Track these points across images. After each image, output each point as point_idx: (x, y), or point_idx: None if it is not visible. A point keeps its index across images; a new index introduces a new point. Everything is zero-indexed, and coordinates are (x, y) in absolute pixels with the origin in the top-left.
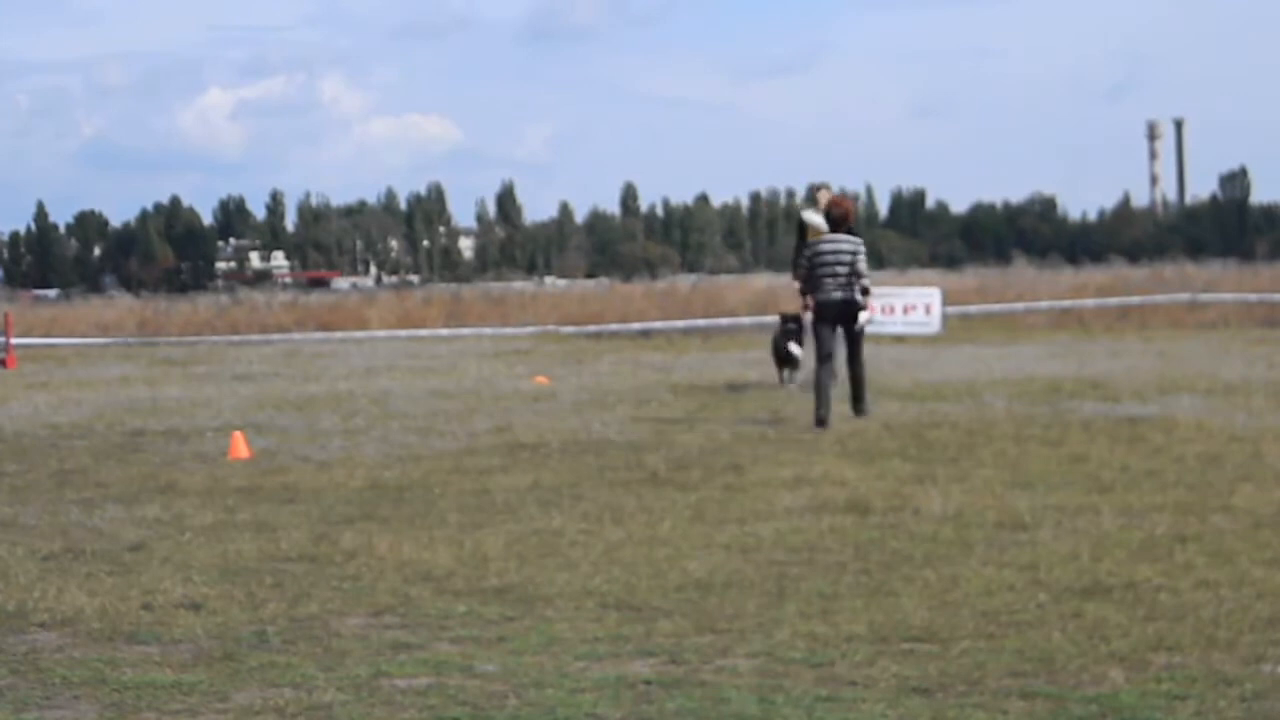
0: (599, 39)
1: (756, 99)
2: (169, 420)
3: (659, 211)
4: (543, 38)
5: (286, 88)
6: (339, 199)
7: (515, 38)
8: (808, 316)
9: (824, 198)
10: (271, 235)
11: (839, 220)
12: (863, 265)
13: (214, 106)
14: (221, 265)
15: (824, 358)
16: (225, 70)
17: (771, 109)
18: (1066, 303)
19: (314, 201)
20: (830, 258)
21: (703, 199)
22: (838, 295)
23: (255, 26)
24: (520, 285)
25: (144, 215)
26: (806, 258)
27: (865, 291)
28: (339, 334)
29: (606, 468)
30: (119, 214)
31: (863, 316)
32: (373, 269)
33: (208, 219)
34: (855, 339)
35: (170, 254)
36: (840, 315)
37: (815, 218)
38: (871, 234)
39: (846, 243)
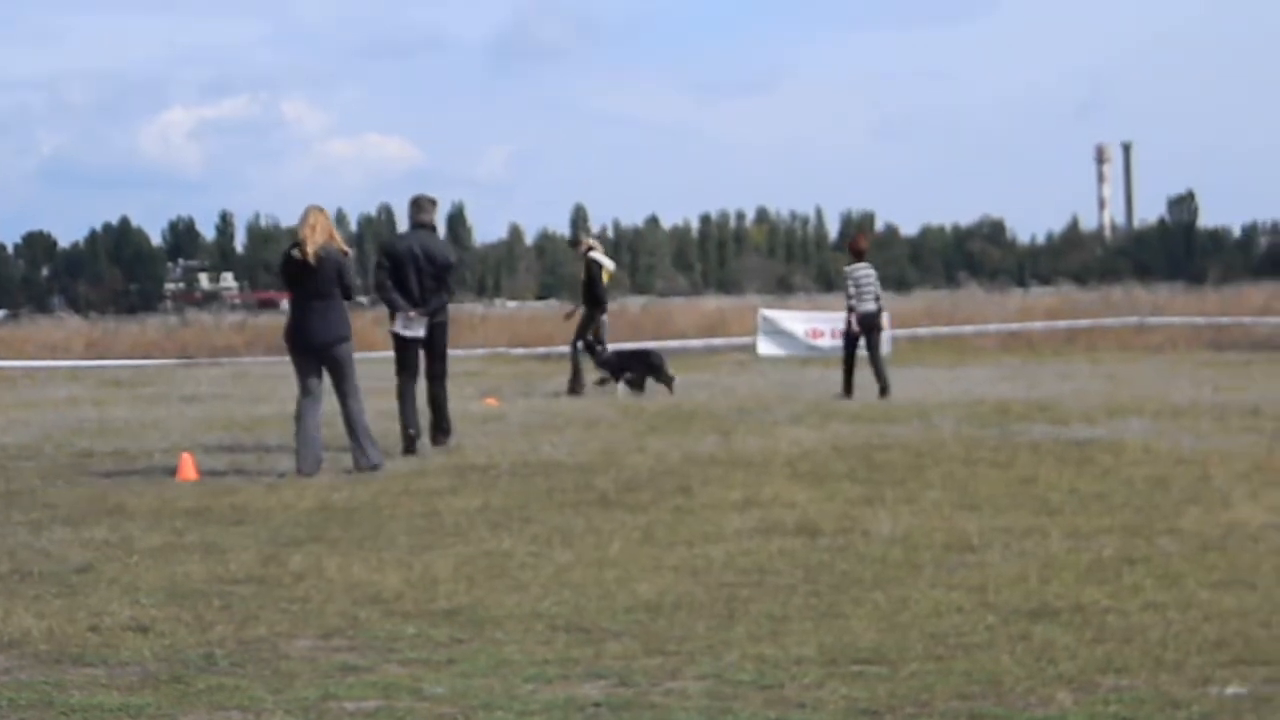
0: (565, 59)
1: (720, 120)
2: (117, 442)
3: (609, 233)
4: (509, 58)
5: (249, 107)
6: (290, 220)
7: (482, 58)
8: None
9: (586, 243)
10: (221, 256)
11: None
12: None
13: (175, 125)
14: (170, 286)
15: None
16: (188, 89)
17: (734, 130)
18: (1015, 325)
19: (263, 222)
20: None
21: (653, 221)
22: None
23: (221, 45)
24: (470, 307)
25: (93, 236)
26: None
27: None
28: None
29: (556, 490)
30: (68, 234)
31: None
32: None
33: (157, 240)
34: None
35: (119, 275)
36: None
37: (604, 258)
38: (820, 256)
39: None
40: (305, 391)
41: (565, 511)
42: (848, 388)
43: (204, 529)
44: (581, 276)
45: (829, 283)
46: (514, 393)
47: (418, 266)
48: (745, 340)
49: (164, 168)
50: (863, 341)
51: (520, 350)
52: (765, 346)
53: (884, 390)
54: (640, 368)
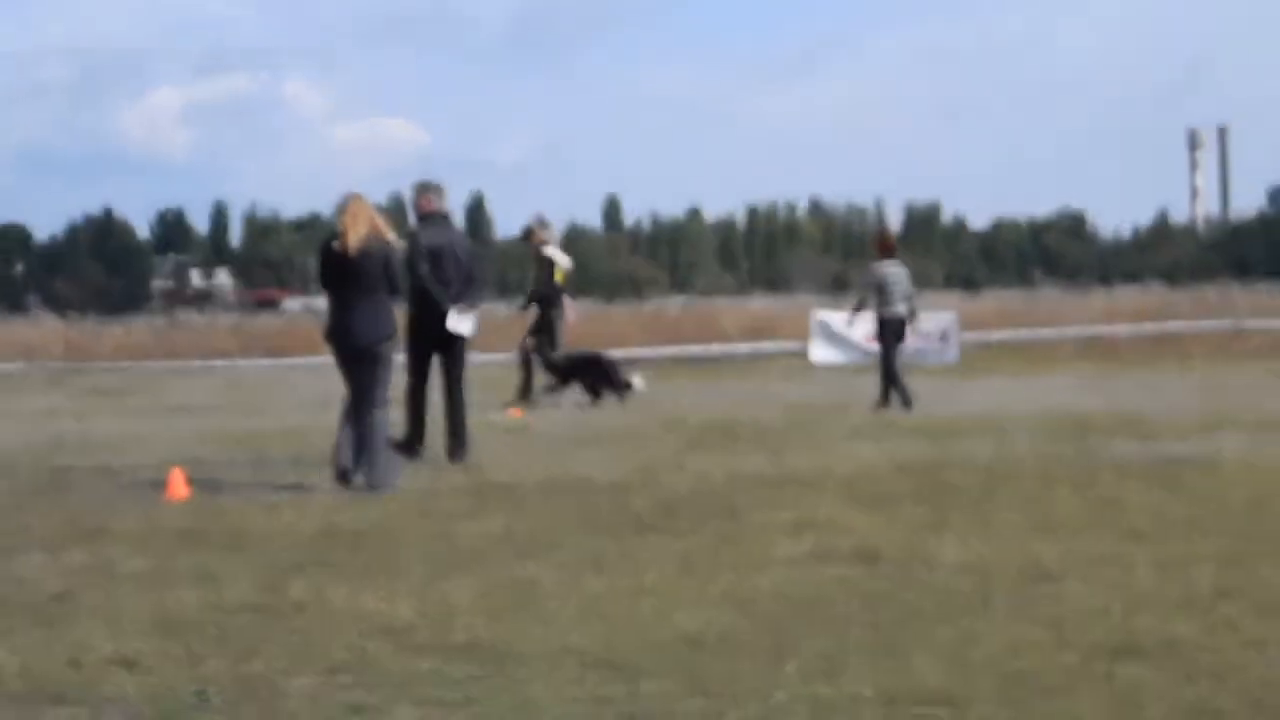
0: (592, 36)
1: (769, 101)
2: (99, 456)
3: (645, 226)
4: (530, 34)
5: (246, 86)
6: (289, 211)
7: (502, 32)
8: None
9: (540, 237)
10: (214, 251)
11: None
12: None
13: (163, 106)
14: (158, 284)
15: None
16: (178, 66)
17: (784, 112)
18: (1097, 329)
19: (261, 214)
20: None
21: (694, 213)
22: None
23: (214, 18)
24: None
25: (72, 229)
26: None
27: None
28: (289, 360)
29: (587, 511)
30: (44, 227)
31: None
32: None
33: (143, 233)
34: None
35: (101, 271)
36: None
37: (559, 254)
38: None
39: None
40: (348, 395)
41: (597, 535)
42: (905, 397)
43: (196, 553)
44: (534, 275)
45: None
46: (541, 402)
47: (457, 259)
48: (797, 345)
49: (151, 153)
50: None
51: None
52: (819, 352)
53: (906, 401)
54: (590, 374)
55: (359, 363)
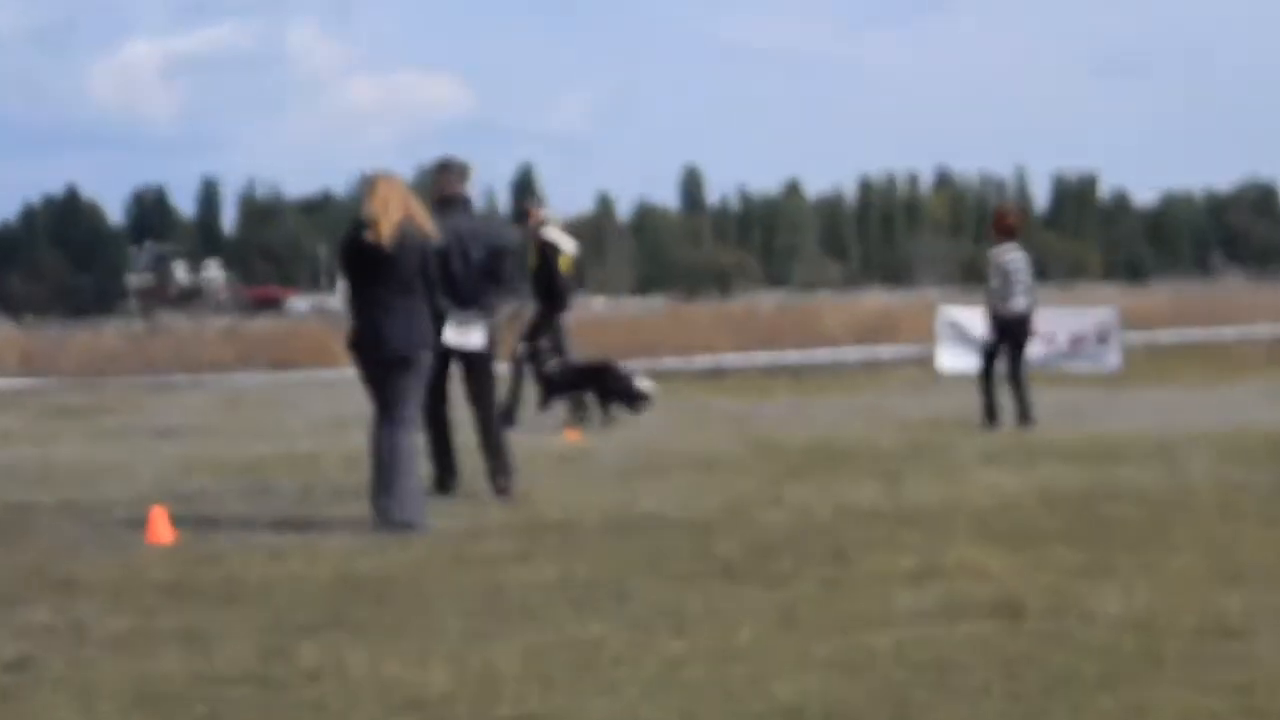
0: None
1: (883, 52)
2: (64, 491)
3: (732, 205)
4: None
5: (239, 37)
6: (295, 190)
7: None
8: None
9: (538, 217)
10: (203, 239)
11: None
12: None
13: (138, 62)
14: (134, 279)
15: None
16: (155, 12)
17: (901, 66)
18: None
19: (261, 193)
20: None
21: (792, 188)
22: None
23: None
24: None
25: (28, 212)
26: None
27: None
28: (296, 373)
29: (662, 556)
30: None
31: None
32: (339, 285)
33: (115, 216)
34: None
35: (64, 264)
36: None
37: (562, 237)
38: (1024, 235)
39: None
40: (378, 413)
41: (675, 585)
42: (990, 411)
43: (183, 610)
44: (532, 263)
45: (1041, 269)
46: (604, 422)
47: (465, 254)
48: (920, 349)
49: (124, 120)
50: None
51: None
52: (948, 358)
53: (1025, 416)
54: (597, 386)
55: (389, 375)
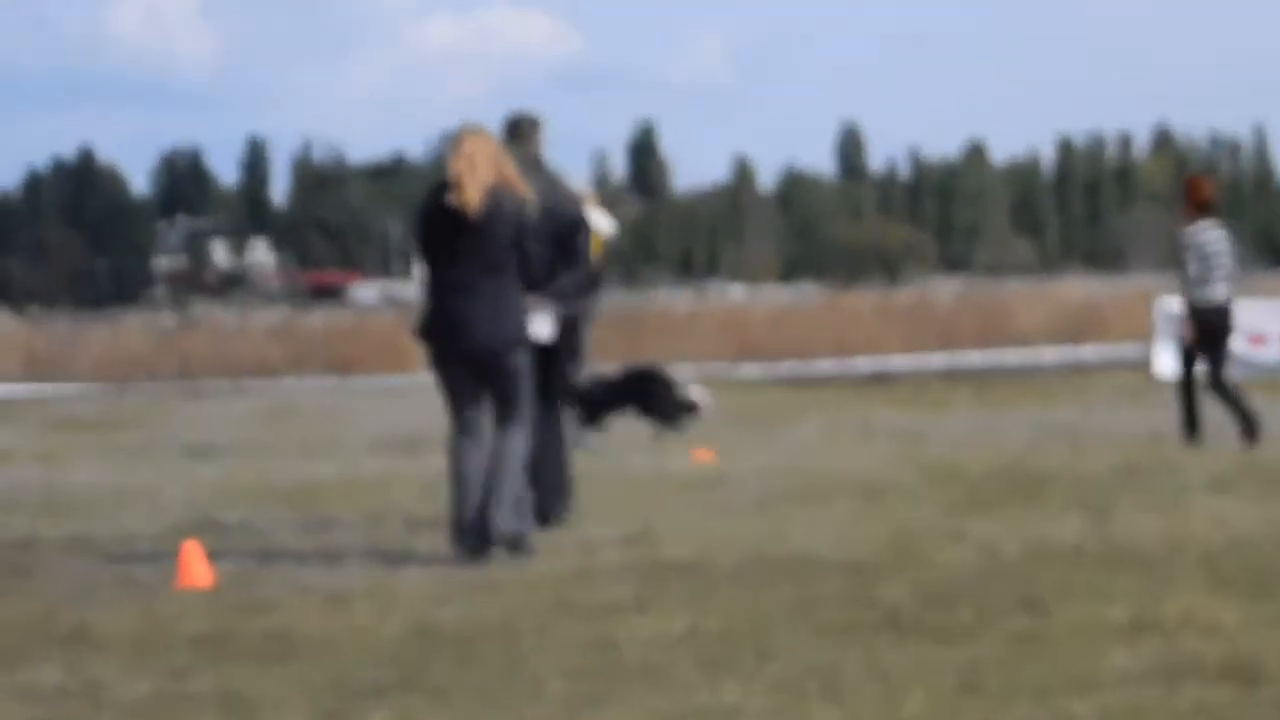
0: None
1: None
2: (77, 522)
3: (901, 171)
4: None
5: None
6: (361, 153)
7: None
8: None
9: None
10: (248, 213)
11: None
12: None
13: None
14: (164, 261)
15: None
16: None
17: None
18: None
19: (318, 157)
20: None
21: (975, 152)
22: None
23: None
24: (668, 296)
25: (33, 180)
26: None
27: None
28: (361, 378)
29: (813, 604)
30: None
31: None
32: (416, 267)
33: (140, 185)
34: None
35: (78, 243)
36: None
37: (601, 216)
38: (1264, 206)
39: None
40: (463, 426)
41: (829, 640)
42: (1190, 423)
43: (221, 670)
44: None
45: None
46: (741, 439)
47: (536, 229)
48: (1134, 350)
49: (150, 68)
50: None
51: (753, 366)
52: (1168, 360)
53: (1249, 432)
54: (642, 397)
55: (474, 374)
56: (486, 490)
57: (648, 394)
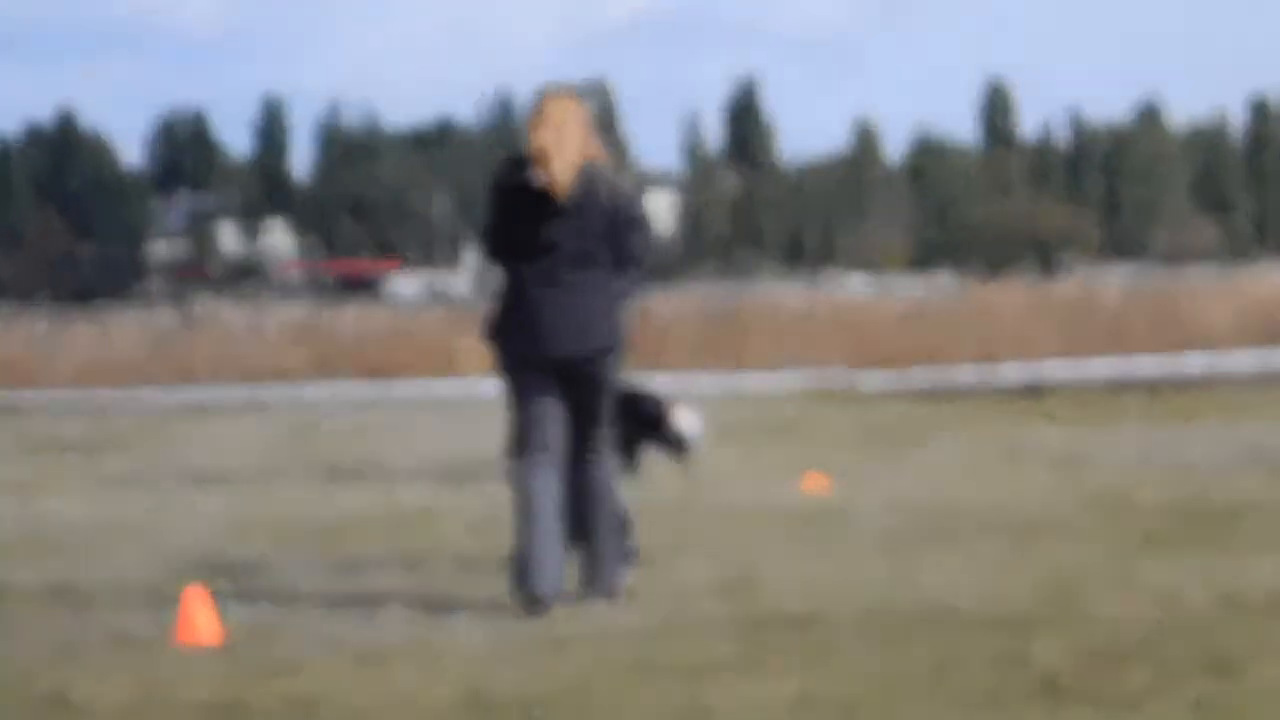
0: None
1: None
2: (57, 566)
3: (1058, 138)
4: None
5: None
6: (399, 117)
7: None
8: None
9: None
10: (264, 189)
11: None
12: None
13: None
14: (162, 247)
15: None
16: None
17: None
18: None
19: (347, 122)
20: None
21: (1148, 113)
22: None
23: None
24: (774, 288)
25: (3, 148)
26: None
27: None
28: (399, 385)
29: (951, 664)
30: None
31: None
32: (466, 256)
33: (133, 155)
34: None
35: (59, 224)
36: None
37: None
38: None
39: None
40: (536, 444)
41: (972, 708)
42: None
43: None
44: None
45: None
46: (863, 464)
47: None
48: None
49: (144, 16)
50: None
51: (877, 374)
52: None
53: None
54: (630, 426)
55: (557, 387)
56: (556, 523)
57: (643, 420)
